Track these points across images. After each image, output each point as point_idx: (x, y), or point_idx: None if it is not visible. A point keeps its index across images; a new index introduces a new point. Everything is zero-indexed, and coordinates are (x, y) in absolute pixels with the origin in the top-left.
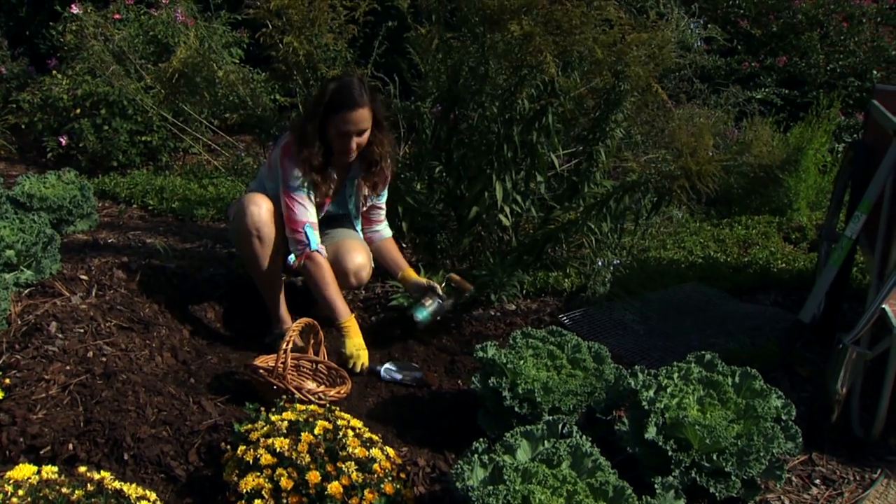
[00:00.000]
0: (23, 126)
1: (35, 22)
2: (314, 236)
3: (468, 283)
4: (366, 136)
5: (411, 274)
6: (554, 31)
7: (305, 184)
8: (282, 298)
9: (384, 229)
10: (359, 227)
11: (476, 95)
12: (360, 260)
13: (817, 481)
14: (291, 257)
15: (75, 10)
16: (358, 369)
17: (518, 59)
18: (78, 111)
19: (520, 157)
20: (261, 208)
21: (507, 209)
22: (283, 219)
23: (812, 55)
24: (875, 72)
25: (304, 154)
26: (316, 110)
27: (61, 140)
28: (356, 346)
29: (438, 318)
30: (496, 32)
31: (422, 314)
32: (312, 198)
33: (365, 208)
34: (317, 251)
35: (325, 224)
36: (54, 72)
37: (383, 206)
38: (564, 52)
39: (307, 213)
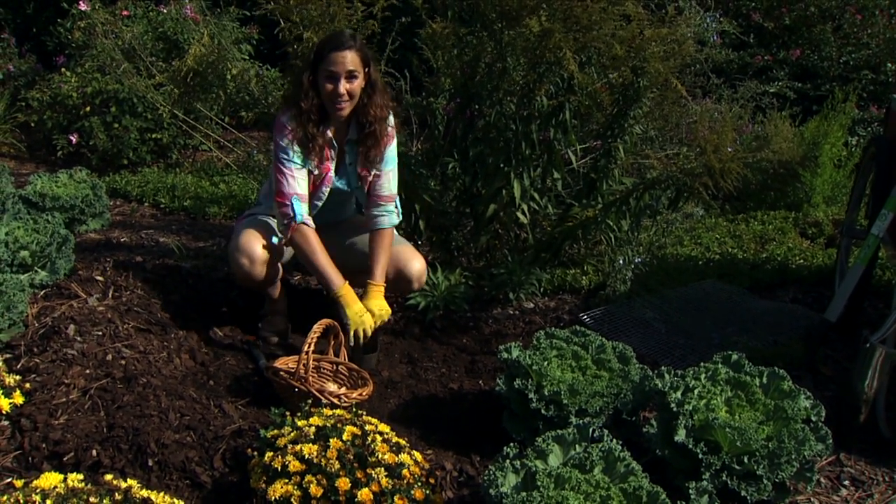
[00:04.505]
0: (32, 124)
1: (42, 19)
2: (300, 208)
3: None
4: (357, 83)
5: (371, 293)
6: (573, 27)
7: (297, 153)
8: (275, 288)
9: (384, 216)
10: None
11: (493, 92)
12: (419, 266)
13: (846, 482)
14: (275, 239)
15: (83, 6)
16: (362, 339)
17: (536, 55)
18: (88, 109)
19: (537, 153)
20: (253, 262)
21: (524, 207)
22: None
23: (825, 48)
24: (889, 64)
25: (303, 105)
26: (307, 61)
27: (71, 138)
28: (356, 312)
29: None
30: (514, 28)
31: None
32: (305, 170)
33: (370, 178)
34: (303, 223)
35: (335, 207)
36: (63, 69)
37: (385, 175)
38: (583, 48)
39: (296, 184)
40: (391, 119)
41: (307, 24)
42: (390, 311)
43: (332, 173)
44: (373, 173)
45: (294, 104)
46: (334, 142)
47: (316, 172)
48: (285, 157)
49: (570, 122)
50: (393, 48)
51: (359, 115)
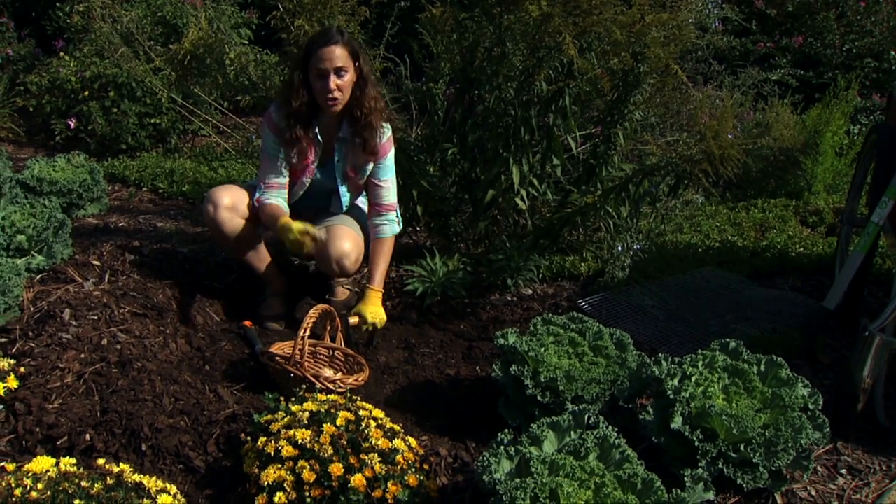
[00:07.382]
0: (30, 108)
1: (41, 3)
2: (261, 191)
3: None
4: (347, 79)
5: (369, 297)
6: (573, 12)
7: (277, 148)
8: (265, 267)
9: (385, 225)
10: (345, 202)
11: (492, 77)
12: (345, 247)
13: (843, 471)
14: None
15: None
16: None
17: (536, 40)
18: (86, 93)
19: (536, 139)
20: (217, 207)
21: (523, 192)
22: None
23: (828, 35)
24: (892, 52)
25: (293, 103)
26: (297, 59)
27: (70, 123)
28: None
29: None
30: (513, 13)
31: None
32: (284, 162)
33: (361, 180)
34: (263, 201)
35: (316, 198)
36: (62, 53)
37: (384, 184)
38: (583, 33)
39: (268, 175)
40: (388, 131)
41: (299, 10)
42: (385, 318)
43: (313, 165)
44: (370, 181)
45: (285, 101)
46: (320, 137)
47: (295, 160)
48: (266, 148)
49: (570, 108)
50: (392, 33)
51: (353, 109)
